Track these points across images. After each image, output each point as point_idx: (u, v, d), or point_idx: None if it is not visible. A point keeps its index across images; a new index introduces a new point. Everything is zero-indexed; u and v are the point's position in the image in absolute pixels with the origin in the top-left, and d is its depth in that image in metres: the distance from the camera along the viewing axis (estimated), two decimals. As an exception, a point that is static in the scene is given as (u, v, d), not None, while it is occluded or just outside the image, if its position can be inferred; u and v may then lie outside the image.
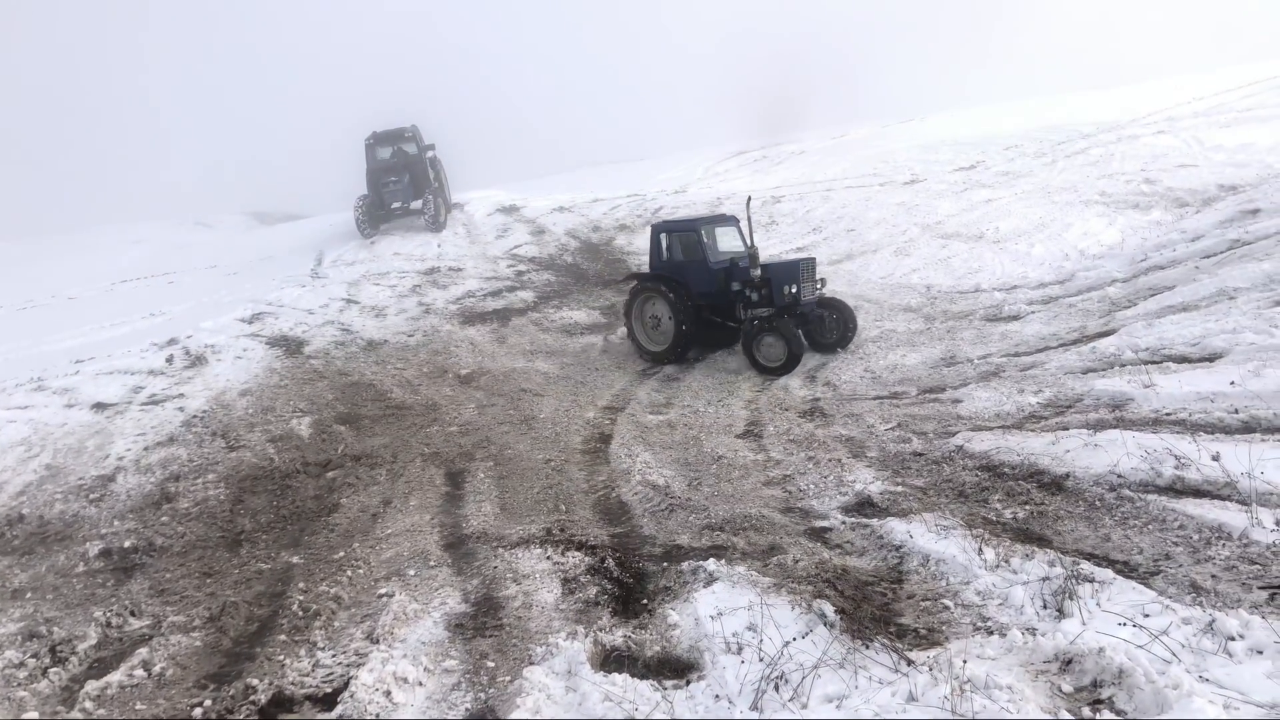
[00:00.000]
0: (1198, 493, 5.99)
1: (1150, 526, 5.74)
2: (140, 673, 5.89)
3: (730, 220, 15.12)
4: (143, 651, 6.17)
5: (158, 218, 54.43)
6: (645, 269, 16.01)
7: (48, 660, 6.20)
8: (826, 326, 13.54)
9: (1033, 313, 13.17)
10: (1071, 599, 4.79)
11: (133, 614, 6.84)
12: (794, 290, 13.25)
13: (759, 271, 13.48)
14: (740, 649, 4.83)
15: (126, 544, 8.32)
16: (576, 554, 6.73)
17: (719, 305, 14.06)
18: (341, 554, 7.59)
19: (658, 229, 14.83)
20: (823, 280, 14.07)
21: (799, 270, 13.31)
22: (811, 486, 7.74)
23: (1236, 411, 7.17)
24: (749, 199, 15.92)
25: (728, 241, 14.66)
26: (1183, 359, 8.93)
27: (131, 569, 7.89)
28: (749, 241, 14.22)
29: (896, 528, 6.32)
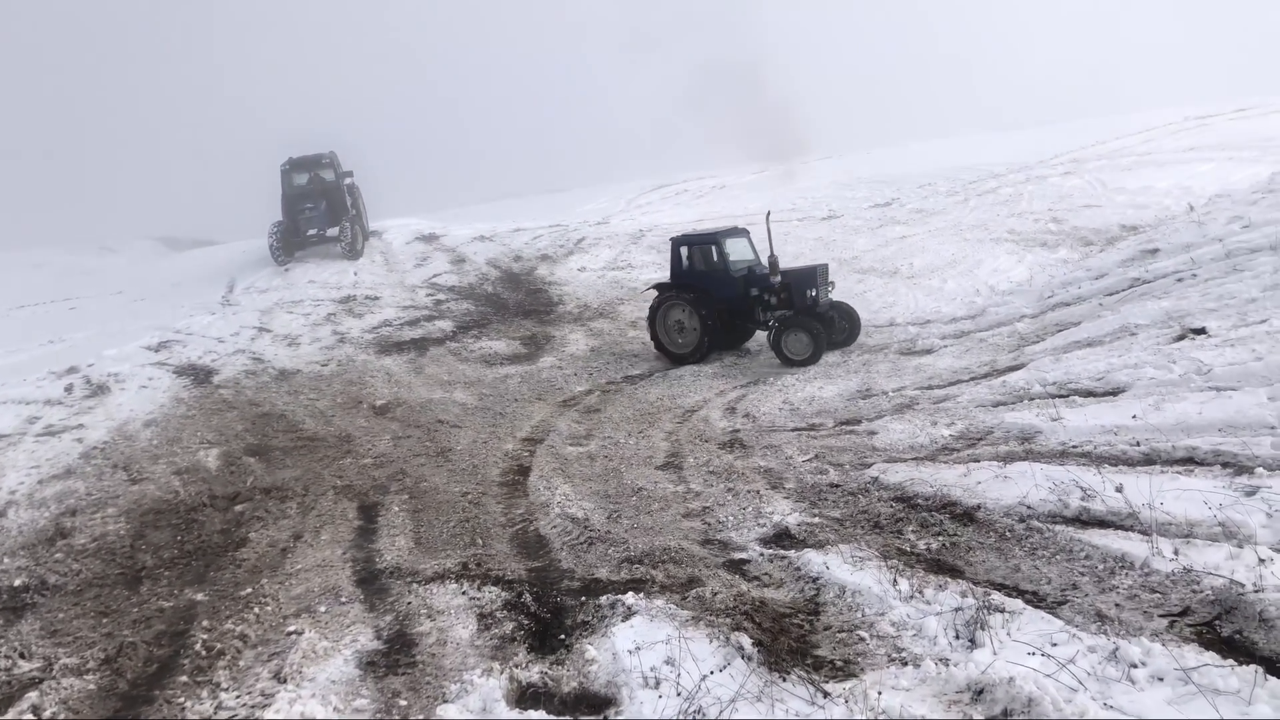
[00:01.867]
0: (1102, 523, 6.15)
1: (1058, 557, 5.87)
2: (29, 718, 5.58)
3: (742, 232, 16.53)
4: (32, 695, 5.85)
5: (59, 241, 52.57)
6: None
7: (-74, 707, 5.84)
8: (836, 326, 15.16)
9: (945, 347, 13.50)
10: (983, 629, 4.85)
11: (22, 656, 6.49)
12: (814, 293, 14.82)
13: (779, 277, 14.97)
14: (658, 683, 4.78)
15: (16, 582, 7.92)
16: (493, 589, 6.61)
17: (738, 310, 15.57)
18: (249, 590, 7.32)
19: (678, 241, 16.23)
20: (832, 284, 15.62)
21: (817, 275, 15.01)
22: (730, 518, 7.74)
23: (1138, 444, 7.41)
24: (768, 213, 16.83)
25: (739, 251, 16.08)
26: (1088, 393, 9.21)
27: (21, 609, 7.49)
28: (770, 250, 15.40)
29: (813, 559, 6.35)
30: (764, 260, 15.82)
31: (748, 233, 16.61)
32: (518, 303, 21.27)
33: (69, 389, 14.15)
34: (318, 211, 27.28)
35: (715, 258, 15.72)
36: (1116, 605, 5.08)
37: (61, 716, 5.63)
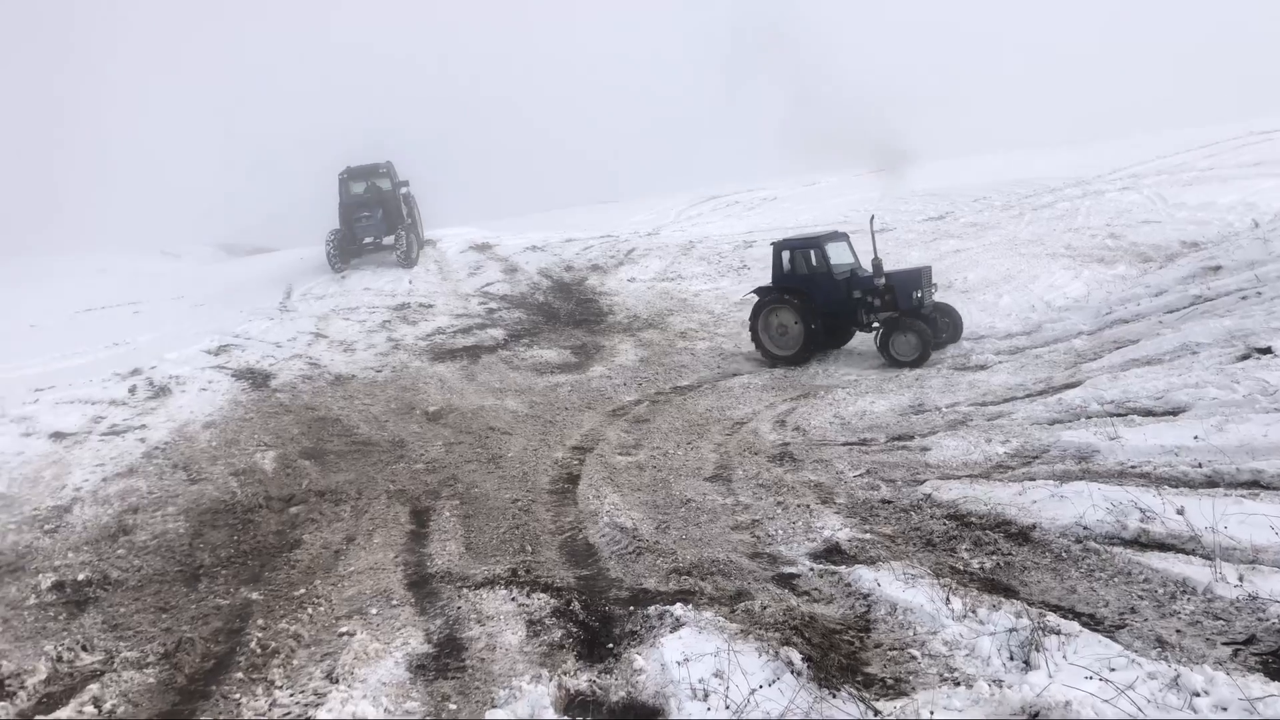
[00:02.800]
0: (1162, 546, 6.03)
1: (1116, 579, 5.77)
2: (90, 710, 5.74)
3: (842, 236, 16.61)
4: (94, 688, 6.00)
5: (124, 246, 53.86)
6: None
7: (-6, 696, 6.02)
8: (939, 327, 15.21)
9: (1000, 363, 13.32)
10: (1038, 651, 4.78)
11: (85, 649, 6.67)
12: (919, 295, 14.93)
13: (883, 280, 15.09)
14: (706, 695, 4.78)
15: (80, 577, 8.13)
16: (542, 596, 6.64)
17: (840, 312, 15.73)
18: (302, 591, 7.45)
19: (780, 246, 16.37)
20: (935, 285, 15.76)
21: (921, 277, 15.17)
22: (780, 532, 7.71)
23: (1200, 466, 7.26)
24: (872, 216, 17.09)
25: (840, 255, 16.12)
26: (1147, 412, 9.04)
27: (85, 602, 7.70)
28: (873, 253, 15.52)
29: (864, 575, 6.30)
30: (864, 263, 16.08)
31: (847, 236, 16.77)
32: (568, 312, 21.38)
33: (132, 390, 14.50)
34: (374, 220, 27.65)
35: (818, 261, 15.87)
36: (1178, 631, 4.98)
37: (121, 709, 5.77)
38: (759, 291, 16.43)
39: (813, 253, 16.03)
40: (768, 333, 16.03)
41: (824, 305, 15.61)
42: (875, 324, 15.33)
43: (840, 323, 15.97)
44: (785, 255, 16.23)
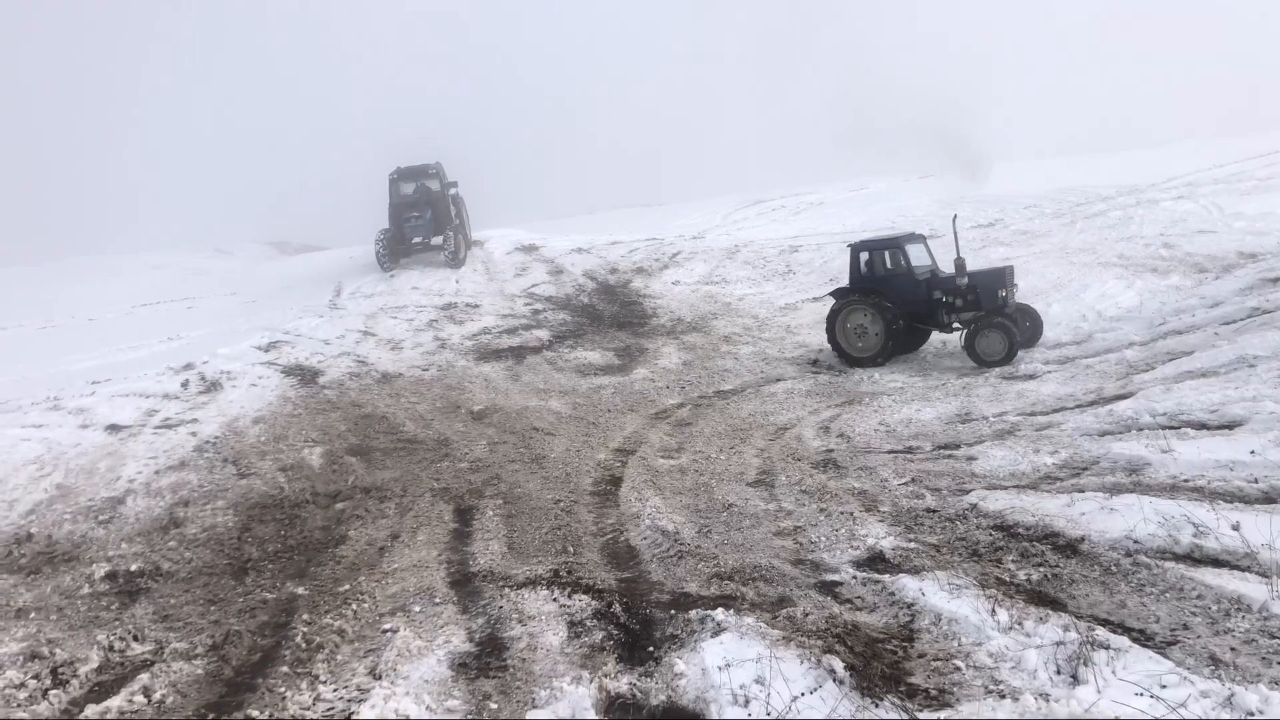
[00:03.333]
0: (1216, 562, 5.90)
1: (1167, 595, 5.66)
2: (140, 699, 5.85)
3: (919, 238, 16.77)
4: (144, 677, 6.12)
5: (178, 244, 55.04)
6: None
7: (49, 682, 6.16)
8: (1020, 327, 15.04)
9: (1049, 372, 13.12)
10: (1086, 665, 4.71)
11: (136, 639, 6.80)
12: (1004, 294, 14.99)
13: (966, 279, 15.17)
14: (748, 702, 4.76)
15: (133, 567, 8.30)
16: (583, 597, 6.67)
17: (919, 313, 15.81)
18: (347, 587, 7.54)
19: (858, 247, 16.43)
20: (1017, 285, 15.76)
21: (1005, 277, 15.22)
22: (823, 539, 7.67)
23: (1256, 481, 7.10)
24: (955, 216, 17.38)
25: (918, 256, 16.21)
26: (1201, 425, 8.85)
27: (136, 593, 7.86)
28: (956, 252, 15.61)
29: (909, 585, 6.24)
30: (941, 265, 16.23)
31: (925, 238, 16.86)
32: (612, 314, 21.44)
33: (185, 385, 14.78)
34: (423, 220, 27.93)
35: (898, 262, 15.96)
36: (1232, 649, 4.87)
37: (170, 699, 5.88)
38: (837, 294, 16.43)
39: (891, 254, 16.11)
40: (845, 335, 16.04)
41: (904, 306, 15.65)
42: (956, 325, 15.44)
43: (919, 324, 16.01)
44: (863, 256, 16.26)
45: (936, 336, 16.54)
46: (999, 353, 14.36)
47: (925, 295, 15.68)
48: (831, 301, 16.58)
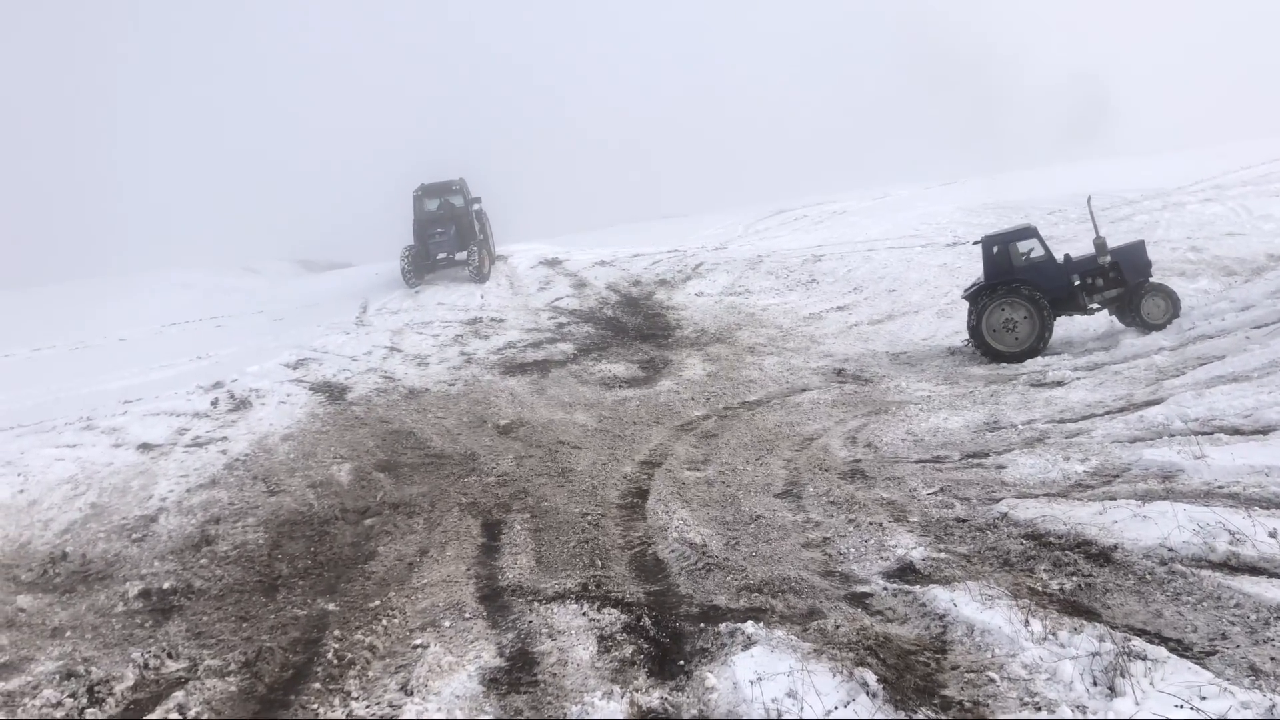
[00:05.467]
0: (1254, 570, 5.81)
1: (1205, 604, 5.58)
2: (175, 717, 5.90)
3: (1035, 229, 16.77)
4: (179, 695, 6.17)
5: (207, 263, 55.63)
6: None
7: (85, 700, 6.23)
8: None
9: (1078, 379, 13.01)
10: (1123, 677, 4.65)
11: (170, 656, 6.86)
12: (1148, 264, 15.88)
13: (1108, 257, 15.84)
14: (780, 716, 4.74)
15: (166, 585, 8.38)
16: (612, 611, 6.66)
17: (1060, 299, 15.95)
18: (377, 602, 7.58)
19: (989, 241, 16.46)
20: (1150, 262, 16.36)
21: (1143, 249, 16.12)
22: (852, 550, 7.62)
23: (1292, 487, 6.99)
24: (1089, 197, 17.94)
25: (1036, 247, 16.41)
26: (1235, 431, 8.73)
27: (170, 610, 7.93)
28: (1095, 232, 16.43)
29: (940, 595, 6.19)
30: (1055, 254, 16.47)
31: (1038, 230, 16.93)
32: (636, 327, 21.46)
33: (215, 403, 14.92)
34: (447, 236, 28.15)
35: (1034, 251, 16.16)
36: (1272, 659, 4.79)
37: (205, 716, 5.92)
38: (974, 294, 16.19)
39: (1022, 244, 16.26)
40: (992, 332, 15.87)
41: (1049, 294, 15.72)
42: (1093, 305, 16.02)
43: (1059, 310, 16.01)
44: (995, 249, 16.24)
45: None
46: (1163, 315, 14.98)
47: (1067, 280, 15.87)
48: (965, 304, 16.45)
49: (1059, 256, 16.39)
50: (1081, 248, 22.14)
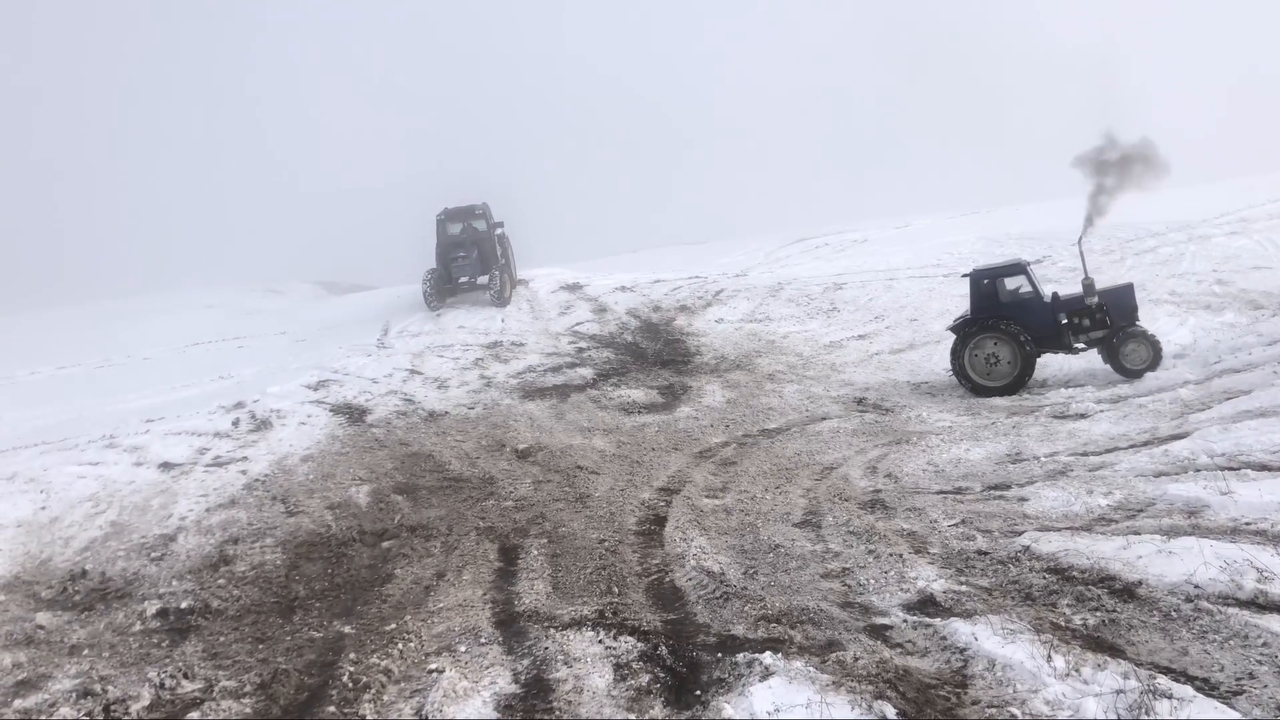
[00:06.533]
0: (1282, 608, 5.72)
1: (1231, 642, 5.48)
2: (190, 737, 5.89)
3: (1025, 264, 16.75)
4: (194, 715, 6.18)
5: (230, 284, 56.19)
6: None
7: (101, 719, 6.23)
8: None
9: (1101, 411, 12.89)
10: (1148, 715, 4.57)
11: (186, 676, 6.87)
12: (1135, 309, 15.62)
13: (1096, 299, 15.66)
14: (797, 749, 4.68)
15: (183, 605, 8.40)
16: (629, 639, 6.62)
17: (1045, 337, 15.86)
18: (393, 626, 7.56)
19: (978, 275, 16.41)
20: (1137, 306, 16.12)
21: (1133, 293, 15.90)
22: (871, 581, 7.55)
23: (1321, 524, 6.88)
24: (1080, 237, 17.33)
25: (1027, 283, 16.36)
26: (1263, 466, 8.62)
27: (187, 630, 7.95)
28: (1084, 272, 16.24)
29: (960, 629, 6.12)
30: (1045, 291, 16.39)
31: (1029, 265, 16.91)
32: (656, 352, 21.44)
33: (236, 423, 15.00)
34: (470, 260, 28.27)
35: (1022, 287, 16.15)
36: (1300, 700, 4.71)
37: (219, 737, 5.92)
38: (960, 326, 16.20)
39: (1010, 280, 16.20)
40: (974, 366, 15.89)
41: (1033, 331, 15.64)
42: (1079, 345, 15.83)
43: (1043, 349, 15.95)
44: (984, 284, 16.20)
45: None
46: (1145, 360, 14.78)
47: (1052, 319, 15.79)
48: (951, 336, 16.41)
49: (1047, 294, 16.31)
50: (1103, 281, 22.06)
